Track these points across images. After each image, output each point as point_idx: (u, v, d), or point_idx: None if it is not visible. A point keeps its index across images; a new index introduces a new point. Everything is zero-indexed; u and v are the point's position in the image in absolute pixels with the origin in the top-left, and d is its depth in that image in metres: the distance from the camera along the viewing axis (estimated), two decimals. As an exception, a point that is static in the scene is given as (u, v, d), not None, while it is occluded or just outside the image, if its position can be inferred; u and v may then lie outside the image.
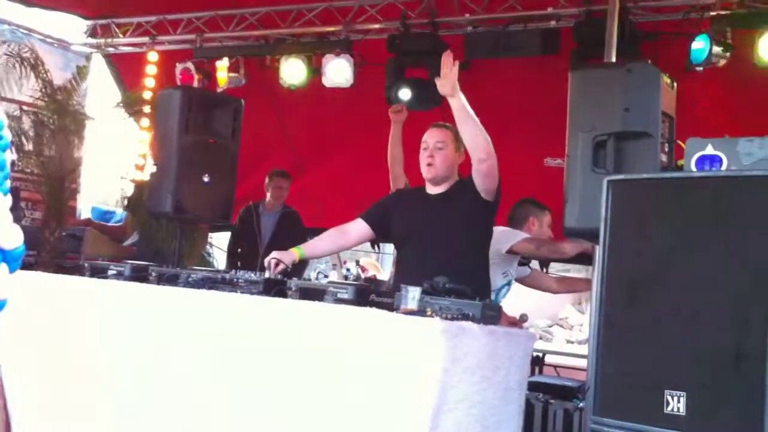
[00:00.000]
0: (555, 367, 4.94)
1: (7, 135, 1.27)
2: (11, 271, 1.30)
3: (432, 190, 3.97)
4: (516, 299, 5.43)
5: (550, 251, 4.61)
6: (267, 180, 6.54)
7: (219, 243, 7.51)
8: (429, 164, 3.89)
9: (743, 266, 2.47)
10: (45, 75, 5.75)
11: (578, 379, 4.09)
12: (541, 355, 4.81)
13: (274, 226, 6.52)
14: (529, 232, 4.58)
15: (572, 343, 6.44)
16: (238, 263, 6.35)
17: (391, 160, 4.72)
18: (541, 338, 4.97)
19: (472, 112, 3.70)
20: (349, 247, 4.18)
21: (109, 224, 6.53)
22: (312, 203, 6.84)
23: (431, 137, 3.94)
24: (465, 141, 3.77)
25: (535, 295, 5.89)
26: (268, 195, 6.54)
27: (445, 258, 3.75)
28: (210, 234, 7.43)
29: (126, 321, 3.59)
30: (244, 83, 6.68)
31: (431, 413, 2.77)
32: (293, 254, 3.92)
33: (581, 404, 3.68)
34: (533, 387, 3.88)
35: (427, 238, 3.88)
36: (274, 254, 3.81)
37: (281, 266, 3.77)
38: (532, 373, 4.41)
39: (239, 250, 6.55)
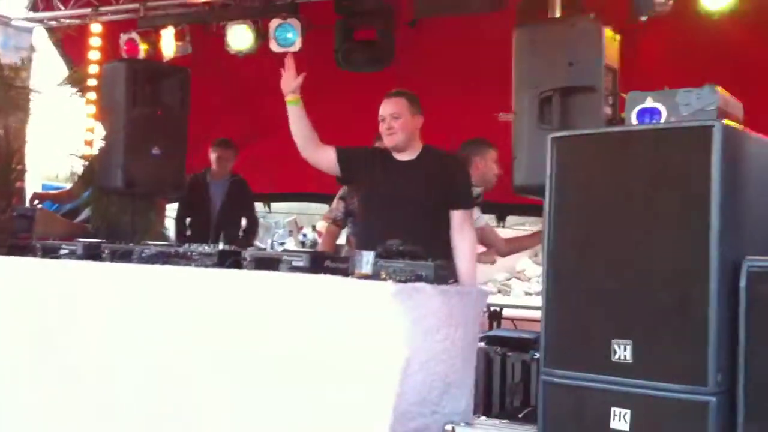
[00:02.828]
0: (513, 320, 5.02)
1: None
2: None
3: (399, 156, 4.07)
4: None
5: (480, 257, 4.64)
6: (210, 149, 6.47)
7: (170, 214, 7.44)
8: (390, 134, 4.01)
9: (684, 216, 2.53)
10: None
11: (535, 331, 4.17)
12: (498, 309, 4.90)
13: (223, 194, 6.47)
14: (477, 172, 4.58)
15: (530, 294, 6.53)
16: (188, 233, 6.32)
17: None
18: (499, 291, 5.06)
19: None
20: (311, 159, 4.20)
21: (54, 191, 6.42)
22: (263, 170, 6.81)
23: (386, 109, 4.04)
24: None
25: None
26: (213, 164, 6.48)
27: (410, 221, 3.86)
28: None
29: (80, 302, 3.58)
30: (190, 51, 6.57)
31: (396, 375, 2.82)
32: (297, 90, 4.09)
33: (538, 355, 3.77)
34: (491, 341, 3.96)
35: (394, 202, 3.98)
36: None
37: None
38: (490, 327, 4.49)
39: (188, 219, 6.50)
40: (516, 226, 6.66)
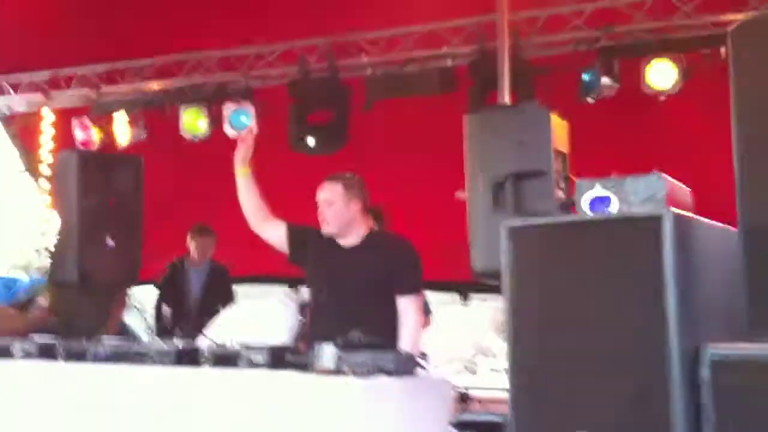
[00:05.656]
0: (479, 401, 4.98)
1: None
2: None
3: (342, 241, 4.00)
4: (440, 329, 5.49)
5: None
6: (188, 237, 6.37)
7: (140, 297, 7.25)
8: (322, 221, 3.95)
9: (638, 305, 2.55)
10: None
11: (504, 413, 4.14)
12: (465, 390, 4.85)
13: (203, 281, 6.36)
14: None
15: (497, 371, 6.42)
16: (168, 324, 6.18)
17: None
18: (466, 368, 5.02)
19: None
20: (260, 231, 4.11)
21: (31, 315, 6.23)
22: (222, 253, 6.75)
23: (319, 195, 3.98)
24: None
25: (459, 324, 5.98)
26: (192, 252, 6.38)
27: (356, 307, 3.81)
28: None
29: (36, 403, 3.48)
30: (145, 137, 6.58)
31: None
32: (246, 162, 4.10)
33: (508, 437, 3.74)
34: (461, 426, 3.92)
35: (337, 289, 3.90)
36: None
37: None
38: (459, 411, 4.45)
39: (167, 309, 6.37)
40: (477, 301, 6.68)
